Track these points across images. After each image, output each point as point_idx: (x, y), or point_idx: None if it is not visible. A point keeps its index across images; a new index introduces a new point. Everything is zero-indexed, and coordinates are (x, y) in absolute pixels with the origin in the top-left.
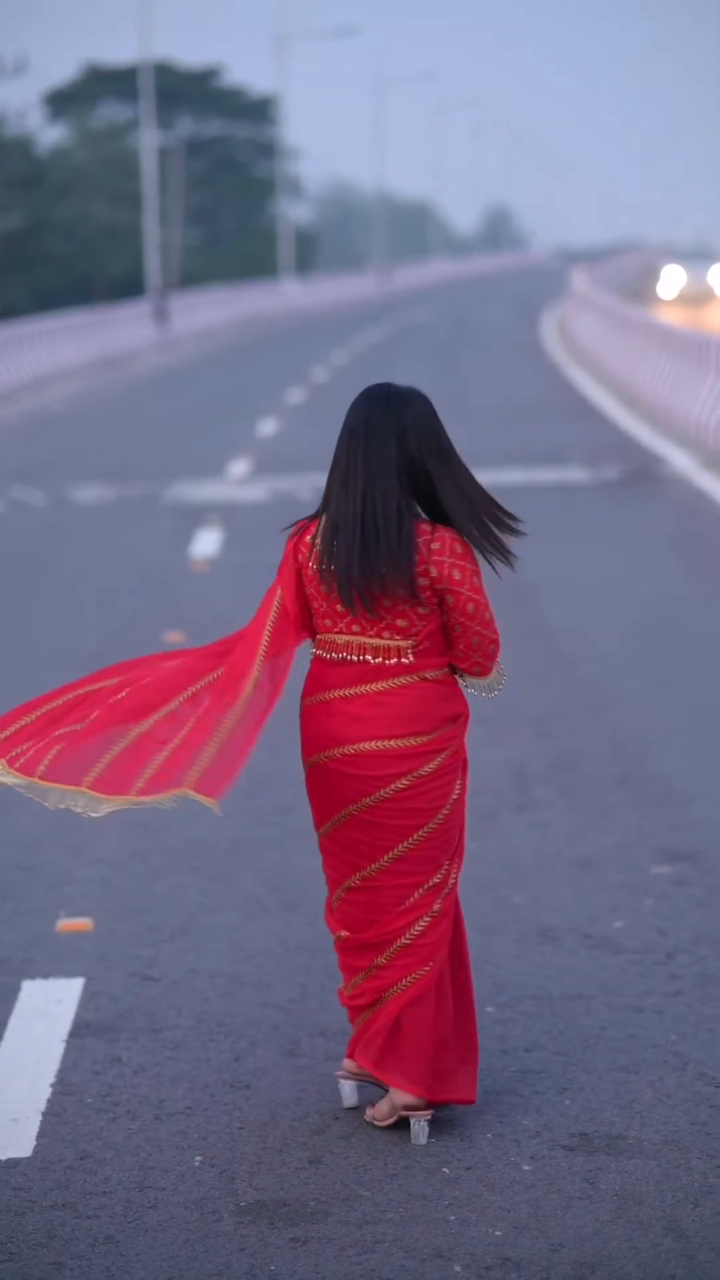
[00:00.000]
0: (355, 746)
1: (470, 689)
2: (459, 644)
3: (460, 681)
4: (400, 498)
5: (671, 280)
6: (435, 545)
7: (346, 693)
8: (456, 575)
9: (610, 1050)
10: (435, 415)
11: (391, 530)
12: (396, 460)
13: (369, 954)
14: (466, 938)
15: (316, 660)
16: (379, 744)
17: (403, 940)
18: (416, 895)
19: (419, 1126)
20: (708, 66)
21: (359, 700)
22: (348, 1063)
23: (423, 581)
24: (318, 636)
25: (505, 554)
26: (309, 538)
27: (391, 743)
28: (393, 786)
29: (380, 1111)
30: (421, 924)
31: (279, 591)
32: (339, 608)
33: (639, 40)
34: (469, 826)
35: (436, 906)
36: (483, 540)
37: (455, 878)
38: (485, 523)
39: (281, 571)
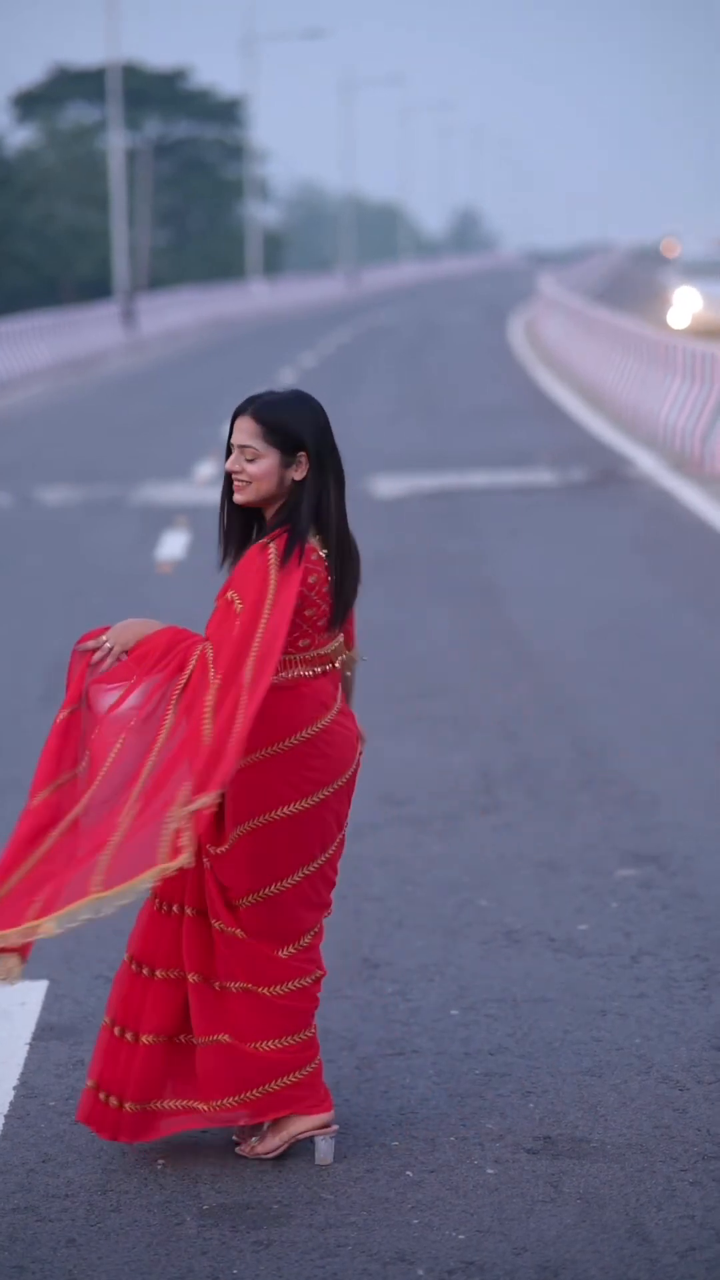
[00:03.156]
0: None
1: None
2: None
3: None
4: None
5: (684, 305)
6: None
7: (338, 699)
8: None
9: (574, 1053)
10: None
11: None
12: None
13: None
14: None
15: (300, 682)
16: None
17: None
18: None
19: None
20: (681, 72)
21: (341, 699)
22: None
23: None
24: (298, 656)
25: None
26: (314, 555)
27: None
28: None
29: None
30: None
31: (282, 631)
32: (326, 620)
33: (611, 45)
34: (433, 828)
35: None
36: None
37: None
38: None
39: (288, 608)
